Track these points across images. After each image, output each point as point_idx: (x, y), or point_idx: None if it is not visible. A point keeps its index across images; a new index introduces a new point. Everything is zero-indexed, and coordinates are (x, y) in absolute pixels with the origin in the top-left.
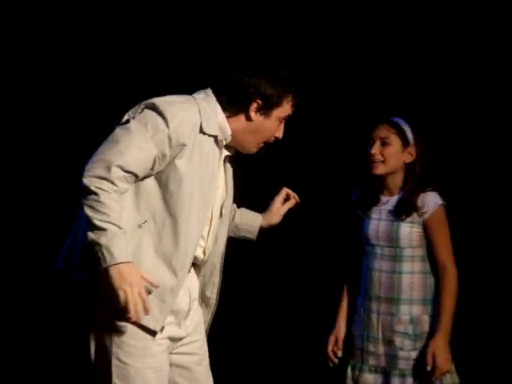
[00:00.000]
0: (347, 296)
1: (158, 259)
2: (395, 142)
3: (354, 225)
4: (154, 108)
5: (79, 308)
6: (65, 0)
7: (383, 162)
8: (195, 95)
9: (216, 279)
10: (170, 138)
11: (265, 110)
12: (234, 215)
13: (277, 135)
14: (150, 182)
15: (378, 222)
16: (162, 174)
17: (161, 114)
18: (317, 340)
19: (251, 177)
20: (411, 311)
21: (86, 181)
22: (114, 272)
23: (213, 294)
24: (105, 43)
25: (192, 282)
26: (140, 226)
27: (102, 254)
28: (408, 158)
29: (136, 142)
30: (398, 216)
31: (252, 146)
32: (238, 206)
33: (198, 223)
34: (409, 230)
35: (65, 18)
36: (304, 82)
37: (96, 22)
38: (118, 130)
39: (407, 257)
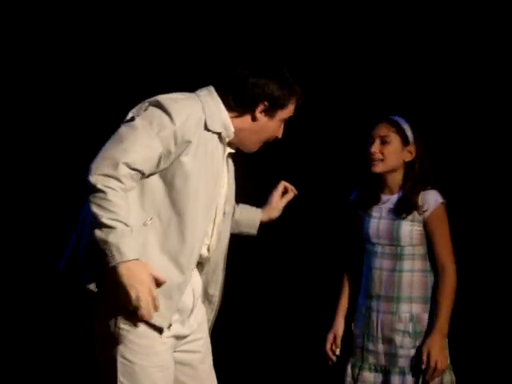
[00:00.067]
0: (346, 294)
1: (165, 257)
2: (395, 140)
3: (354, 223)
4: (158, 105)
5: (83, 308)
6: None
7: (382, 160)
8: (198, 92)
9: (219, 277)
10: (175, 135)
11: (270, 111)
12: (234, 211)
13: (277, 135)
14: (155, 180)
15: (378, 220)
16: (167, 172)
17: (166, 111)
18: (317, 338)
19: (252, 176)
20: (411, 309)
21: (92, 179)
22: (123, 270)
23: (216, 291)
24: (108, 42)
25: (195, 280)
26: (145, 224)
27: (111, 252)
28: (408, 157)
29: (142, 139)
30: (398, 214)
31: (254, 144)
32: (237, 203)
33: (203, 220)
34: (409, 229)
35: (65, 16)
36: (304, 81)
37: (99, 20)
38: (124, 128)
39: (408, 255)
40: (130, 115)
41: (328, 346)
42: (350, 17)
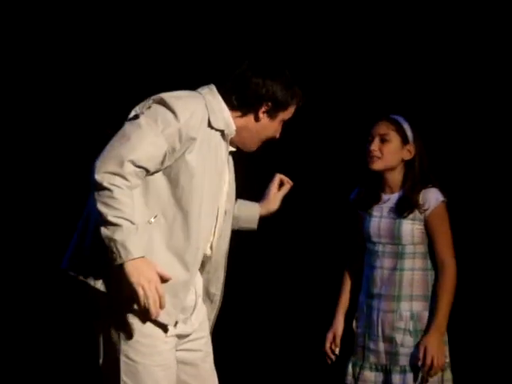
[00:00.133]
0: (346, 293)
1: (170, 254)
2: (394, 138)
3: (354, 222)
4: (162, 103)
5: (86, 307)
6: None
7: (381, 157)
8: (199, 90)
9: (220, 275)
10: (180, 133)
11: (272, 112)
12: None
13: (275, 135)
14: (159, 178)
15: (379, 219)
16: (172, 169)
17: (170, 108)
18: (318, 337)
19: (252, 175)
20: (412, 307)
21: (98, 177)
22: (130, 268)
23: (217, 290)
24: (109, 40)
25: (196, 278)
26: (149, 222)
27: (117, 249)
28: (407, 156)
29: (147, 137)
30: (399, 213)
31: (254, 144)
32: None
33: (207, 217)
34: (410, 227)
35: (66, 16)
36: (305, 81)
37: (101, 19)
38: (128, 126)
39: (409, 254)
40: (133, 113)
41: (327, 345)
42: (350, 15)
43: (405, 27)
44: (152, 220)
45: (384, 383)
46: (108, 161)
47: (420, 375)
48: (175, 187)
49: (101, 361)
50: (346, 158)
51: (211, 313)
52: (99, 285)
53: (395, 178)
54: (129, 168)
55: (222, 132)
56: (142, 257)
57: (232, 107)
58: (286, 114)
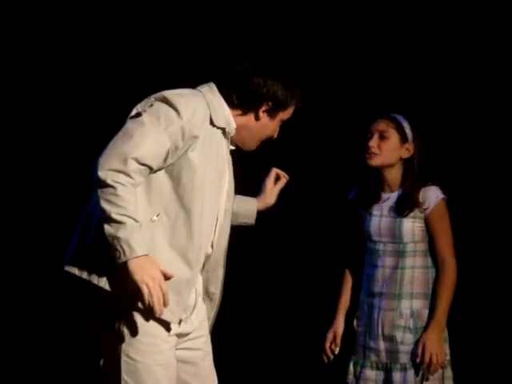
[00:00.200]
0: (347, 292)
1: (173, 252)
2: (393, 136)
3: (354, 222)
4: (165, 100)
5: (86, 306)
6: None
7: (379, 154)
8: (199, 88)
9: (219, 274)
10: (183, 131)
11: (273, 111)
12: None
13: (274, 135)
14: (161, 176)
15: (379, 218)
16: (174, 167)
17: (173, 106)
18: (319, 336)
19: (251, 175)
20: (412, 305)
21: (101, 174)
22: (133, 265)
23: (216, 289)
24: (110, 39)
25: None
26: (152, 220)
27: (121, 247)
28: (405, 154)
29: (150, 134)
30: (399, 212)
31: (253, 143)
32: None
33: (210, 215)
34: (411, 226)
35: (65, 15)
36: (305, 81)
37: (101, 17)
38: (131, 124)
39: (409, 252)
40: (134, 111)
41: (327, 344)
42: (350, 14)
43: (404, 26)
44: (155, 218)
45: (385, 382)
46: (111, 158)
47: (420, 373)
48: (177, 185)
49: (101, 360)
50: (346, 156)
51: (211, 312)
52: (102, 283)
53: (394, 176)
54: (132, 165)
55: (223, 130)
56: (146, 255)
57: (232, 106)
58: (286, 114)
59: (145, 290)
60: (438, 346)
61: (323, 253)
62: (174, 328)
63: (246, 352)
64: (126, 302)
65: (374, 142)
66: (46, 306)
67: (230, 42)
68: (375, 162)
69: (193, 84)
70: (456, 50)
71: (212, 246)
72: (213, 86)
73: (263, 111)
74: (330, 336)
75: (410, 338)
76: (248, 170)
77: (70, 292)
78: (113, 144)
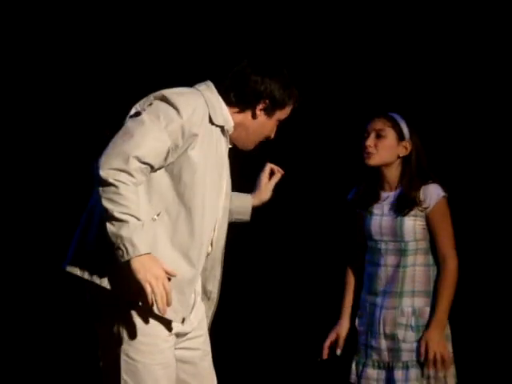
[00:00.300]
0: (350, 293)
1: (175, 251)
2: (390, 134)
3: (354, 221)
4: (164, 99)
5: (87, 305)
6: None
7: (376, 153)
8: (197, 87)
9: (217, 272)
10: (183, 129)
11: (270, 110)
12: None
13: (270, 135)
14: (162, 175)
15: (380, 217)
16: (174, 166)
17: (172, 104)
18: (320, 335)
19: (250, 175)
20: (414, 303)
21: (103, 173)
22: (136, 264)
23: (214, 287)
24: (109, 38)
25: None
26: (154, 219)
27: (124, 246)
28: (402, 152)
29: (151, 133)
30: (400, 211)
31: (250, 142)
32: None
33: (211, 213)
34: (412, 224)
35: (65, 15)
36: (302, 79)
37: (99, 16)
38: (131, 123)
39: (411, 250)
40: (134, 110)
41: (327, 343)
42: (346, 13)
43: (400, 24)
44: (156, 217)
45: (387, 380)
46: (113, 157)
47: (423, 371)
48: (178, 183)
49: (101, 360)
50: (345, 156)
51: (208, 310)
52: (104, 283)
53: (392, 174)
54: (134, 164)
55: (222, 128)
56: (149, 253)
57: (230, 104)
58: (283, 114)
59: (148, 289)
60: (440, 344)
61: (323, 253)
62: (174, 327)
63: (246, 352)
64: (126, 301)
65: (370, 141)
66: (46, 306)
67: (228, 42)
68: (373, 161)
69: (192, 83)
70: (452, 47)
71: (212, 245)
72: (210, 84)
73: (260, 109)
74: (332, 336)
75: (411, 336)
76: (245, 170)
77: (70, 291)
78: (113, 143)
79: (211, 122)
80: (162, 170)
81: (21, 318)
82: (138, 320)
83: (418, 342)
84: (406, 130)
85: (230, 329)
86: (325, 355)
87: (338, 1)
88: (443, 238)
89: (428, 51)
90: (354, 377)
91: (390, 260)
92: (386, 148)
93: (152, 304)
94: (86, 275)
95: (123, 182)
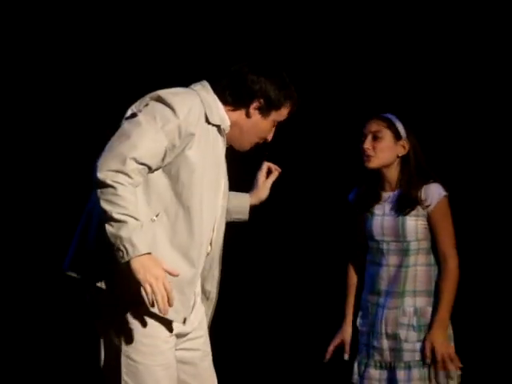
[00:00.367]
0: (352, 295)
1: (175, 251)
2: (387, 135)
3: (354, 222)
4: (160, 100)
5: (87, 307)
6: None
7: (375, 155)
8: (192, 87)
9: (216, 272)
10: (179, 129)
11: (264, 110)
12: None
13: (267, 137)
14: (159, 175)
15: (381, 217)
16: (172, 166)
17: (168, 105)
18: (321, 335)
19: (249, 176)
20: (415, 303)
21: (101, 175)
22: (136, 264)
23: (213, 287)
24: (107, 38)
25: None
26: (152, 220)
27: (124, 246)
28: (401, 151)
29: (148, 134)
30: (401, 211)
31: (246, 142)
32: None
33: (209, 213)
34: (414, 224)
35: (65, 15)
36: (301, 80)
37: (98, 17)
38: (128, 124)
39: (413, 250)
40: (130, 112)
41: (331, 347)
42: (343, 15)
43: (395, 26)
44: (154, 218)
45: (389, 380)
46: (110, 159)
47: (425, 371)
48: (175, 183)
49: (102, 361)
50: (345, 157)
51: (207, 310)
52: (105, 284)
53: (392, 174)
54: (131, 165)
55: (219, 127)
56: (149, 253)
57: (225, 102)
58: (279, 115)
59: (148, 289)
60: (444, 344)
61: (323, 253)
62: (174, 328)
63: (246, 352)
64: (127, 302)
65: (368, 144)
66: (46, 306)
67: (225, 42)
68: (373, 164)
69: (189, 83)
70: (449, 46)
71: (211, 244)
72: (206, 84)
73: (254, 108)
74: (336, 341)
75: (413, 335)
76: (242, 169)
77: (71, 293)
78: (110, 145)
79: (207, 121)
80: (160, 170)
81: (21, 319)
82: (138, 321)
83: (420, 341)
84: (402, 129)
85: (230, 329)
86: (327, 358)
87: (333, 5)
88: (444, 237)
89: (426, 50)
90: (356, 377)
91: (392, 260)
92: (384, 149)
93: (152, 304)
94: (86, 276)
95: (121, 183)
